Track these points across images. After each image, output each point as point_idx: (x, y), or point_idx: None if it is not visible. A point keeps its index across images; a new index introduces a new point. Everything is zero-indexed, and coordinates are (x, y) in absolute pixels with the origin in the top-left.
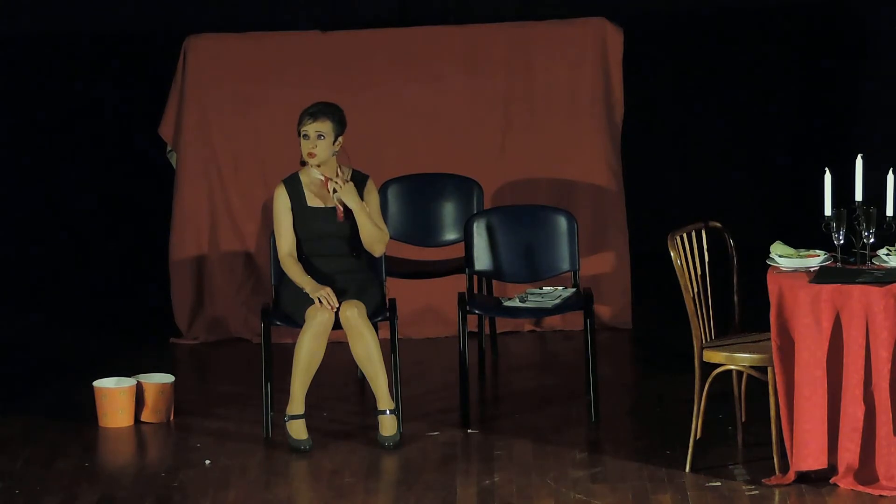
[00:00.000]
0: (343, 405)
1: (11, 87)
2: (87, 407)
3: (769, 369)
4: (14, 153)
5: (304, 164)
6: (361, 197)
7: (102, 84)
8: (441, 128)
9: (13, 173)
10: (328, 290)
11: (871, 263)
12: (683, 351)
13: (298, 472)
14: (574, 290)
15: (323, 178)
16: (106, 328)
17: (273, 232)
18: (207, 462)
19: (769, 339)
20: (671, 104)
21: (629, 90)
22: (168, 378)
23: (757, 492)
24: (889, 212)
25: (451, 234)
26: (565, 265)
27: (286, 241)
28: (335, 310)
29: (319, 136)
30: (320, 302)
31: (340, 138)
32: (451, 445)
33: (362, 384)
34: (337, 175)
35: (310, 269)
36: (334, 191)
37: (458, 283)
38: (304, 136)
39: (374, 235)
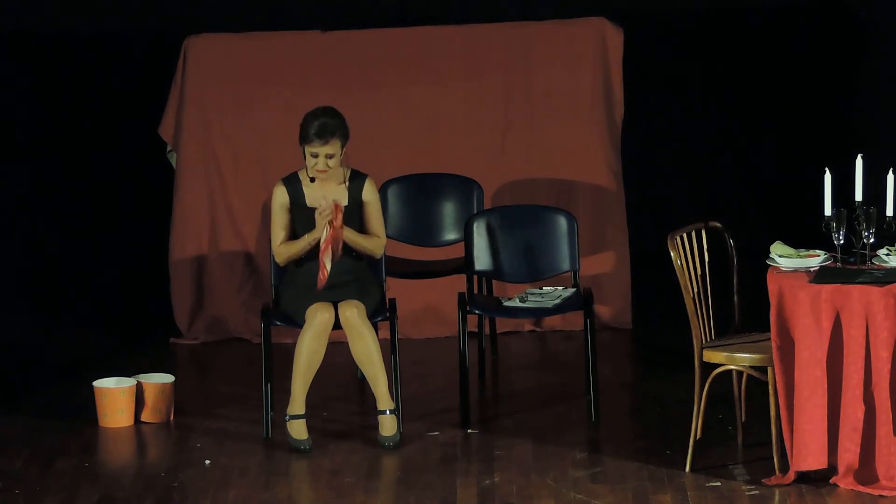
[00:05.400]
0: (343, 405)
1: (11, 86)
2: (87, 407)
3: (769, 369)
4: (14, 153)
5: (312, 180)
6: (360, 196)
7: (103, 84)
8: (441, 128)
9: (13, 173)
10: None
11: (871, 263)
12: (683, 351)
13: (298, 472)
14: (574, 290)
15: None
16: (106, 328)
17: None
18: (207, 462)
19: (769, 339)
20: (671, 104)
21: (629, 90)
22: (168, 378)
23: (757, 492)
24: (889, 212)
25: (451, 234)
26: (565, 265)
27: (280, 237)
28: (332, 213)
29: (329, 157)
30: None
31: (345, 148)
32: (451, 445)
33: (362, 384)
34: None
35: (308, 270)
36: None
37: (458, 283)
38: (314, 155)
39: (369, 250)
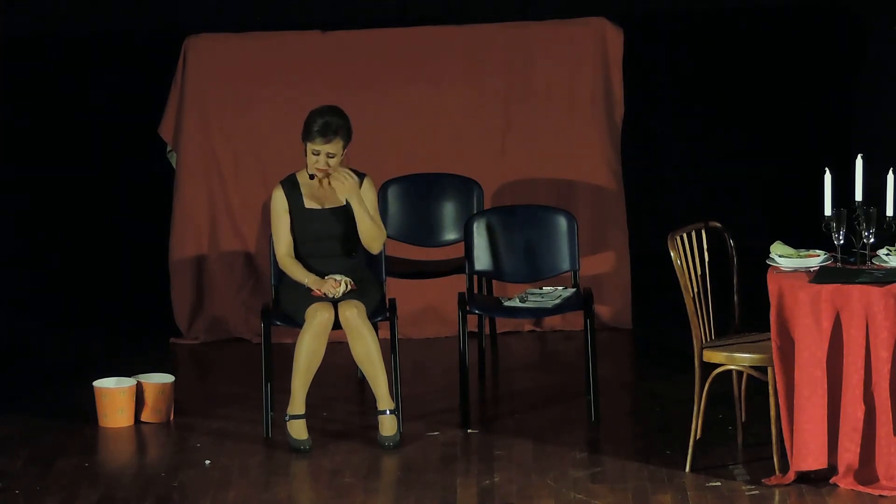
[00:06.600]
0: (343, 405)
1: (12, 86)
2: (87, 407)
3: (769, 369)
4: (14, 153)
5: (312, 176)
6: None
7: (103, 84)
8: (441, 128)
9: (13, 173)
10: (331, 282)
11: (871, 263)
12: (683, 351)
13: (298, 472)
14: (574, 289)
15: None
16: (106, 328)
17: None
18: (207, 462)
19: (769, 339)
20: (671, 104)
21: (629, 90)
22: (168, 378)
23: (757, 492)
24: (889, 212)
25: (451, 234)
26: (565, 265)
27: (284, 242)
28: (336, 297)
29: (330, 156)
30: (325, 296)
31: (346, 150)
32: (451, 445)
33: (362, 384)
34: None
35: (308, 271)
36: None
37: (458, 283)
38: (315, 152)
39: (373, 232)
